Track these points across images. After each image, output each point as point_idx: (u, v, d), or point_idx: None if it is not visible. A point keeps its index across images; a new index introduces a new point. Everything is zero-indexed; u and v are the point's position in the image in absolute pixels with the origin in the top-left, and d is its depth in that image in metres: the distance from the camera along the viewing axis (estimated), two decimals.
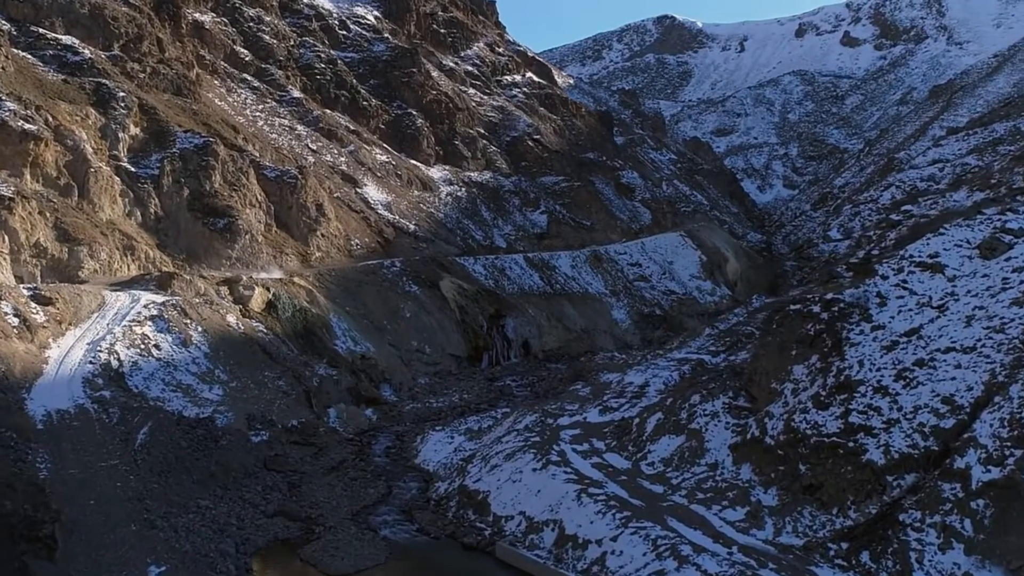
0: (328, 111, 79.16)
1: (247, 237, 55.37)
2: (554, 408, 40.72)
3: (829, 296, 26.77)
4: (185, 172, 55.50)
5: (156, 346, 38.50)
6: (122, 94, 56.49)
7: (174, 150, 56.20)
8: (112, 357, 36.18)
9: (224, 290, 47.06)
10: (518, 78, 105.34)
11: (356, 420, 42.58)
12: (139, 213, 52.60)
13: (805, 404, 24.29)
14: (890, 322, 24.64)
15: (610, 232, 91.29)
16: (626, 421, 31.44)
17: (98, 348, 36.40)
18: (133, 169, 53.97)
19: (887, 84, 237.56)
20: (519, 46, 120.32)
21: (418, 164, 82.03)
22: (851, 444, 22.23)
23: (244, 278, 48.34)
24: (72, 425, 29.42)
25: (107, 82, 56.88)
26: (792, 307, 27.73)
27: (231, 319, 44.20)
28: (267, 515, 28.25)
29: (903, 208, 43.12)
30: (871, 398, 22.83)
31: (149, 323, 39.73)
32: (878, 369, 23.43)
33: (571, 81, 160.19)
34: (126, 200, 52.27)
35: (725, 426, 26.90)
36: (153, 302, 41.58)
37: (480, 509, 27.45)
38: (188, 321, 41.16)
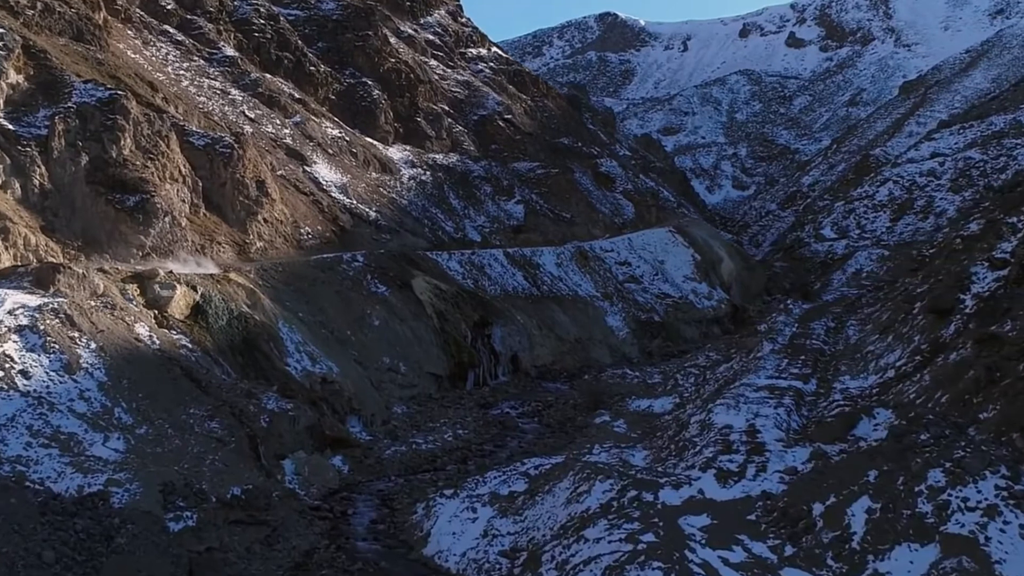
0: (268, 75, 65.81)
1: (167, 220, 42.14)
2: (607, 458, 28.93)
3: None
4: (84, 133, 41.96)
5: (23, 373, 25.39)
6: (0, 31, 42.72)
7: (69, 104, 42.58)
8: None
9: (133, 289, 33.88)
10: (483, 52, 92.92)
11: (322, 475, 30.02)
12: (18, 185, 38.93)
13: None
14: None
15: (592, 226, 79.81)
16: (782, 503, 19.63)
17: None
18: (12, 127, 40.25)
19: (835, 85, 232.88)
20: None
21: (375, 142, 69.20)
22: None
23: (161, 273, 35.17)
24: None
25: None
26: None
27: (141, 330, 31.11)
28: None
29: None
30: None
31: (14, 337, 26.54)
32: None
33: None
34: (1, 167, 38.67)
35: (1021, 532, 15.33)
36: (24, 306, 28.25)
37: None
38: (76, 335, 28.01)
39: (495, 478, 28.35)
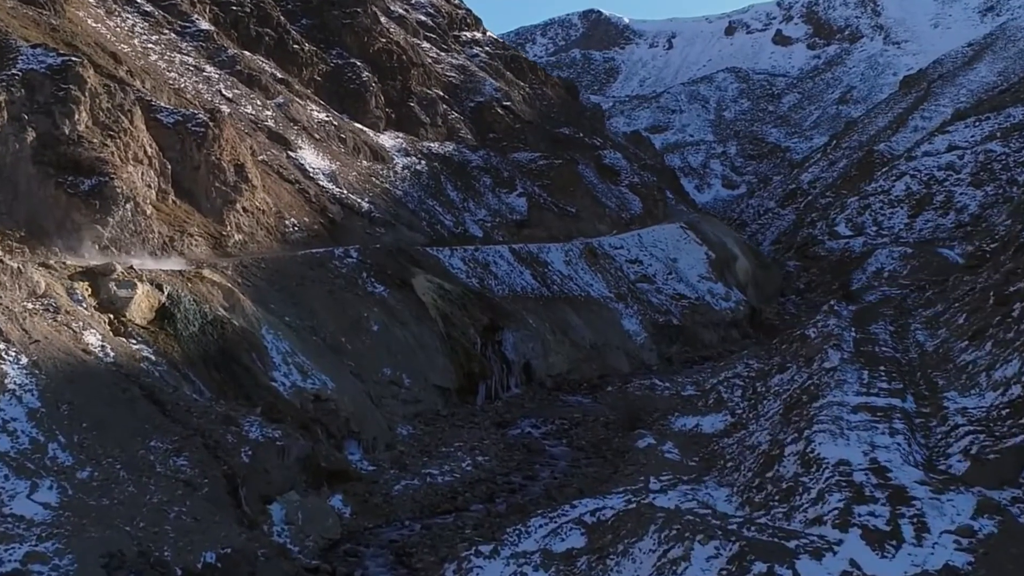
0: (247, 52, 59.43)
1: (128, 207, 35.76)
2: (677, 498, 23.09)
3: None
4: (31, 105, 35.48)
5: None
6: None
7: (14, 71, 36.06)
8: None
9: (83, 288, 27.54)
10: (478, 35, 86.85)
11: (319, 522, 23.83)
12: None
13: None
14: None
15: (598, 221, 74.12)
16: None
17: None
18: None
19: (824, 83, 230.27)
20: None
21: (365, 128, 63.00)
22: None
23: (119, 268, 28.84)
24: None
25: None
26: None
27: (91, 339, 24.82)
28: None
29: None
30: None
31: None
32: None
33: None
34: None
35: None
36: None
37: None
38: (2, 346, 21.68)
39: (541, 527, 22.30)
